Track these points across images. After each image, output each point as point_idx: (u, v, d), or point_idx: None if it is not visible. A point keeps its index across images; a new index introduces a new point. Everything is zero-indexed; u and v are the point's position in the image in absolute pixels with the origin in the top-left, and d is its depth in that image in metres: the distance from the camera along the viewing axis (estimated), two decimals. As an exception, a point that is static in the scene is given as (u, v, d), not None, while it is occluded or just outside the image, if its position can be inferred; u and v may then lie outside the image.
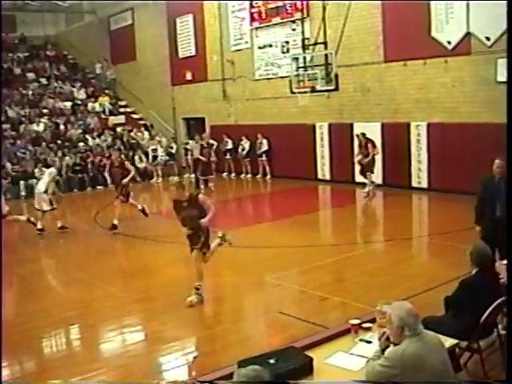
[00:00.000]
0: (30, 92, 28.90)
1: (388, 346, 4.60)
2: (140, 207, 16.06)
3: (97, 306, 9.74)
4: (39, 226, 15.04)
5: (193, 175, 24.96)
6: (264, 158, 22.69)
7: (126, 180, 15.13)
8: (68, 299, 9.86)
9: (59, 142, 25.23)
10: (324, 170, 20.92)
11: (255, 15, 22.67)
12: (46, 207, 14.97)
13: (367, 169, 17.65)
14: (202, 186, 20.56)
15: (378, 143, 18.18)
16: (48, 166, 22.62)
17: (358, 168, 18.30)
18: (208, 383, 4.57)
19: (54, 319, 8.98)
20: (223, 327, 8.54)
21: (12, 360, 7.82)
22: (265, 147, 22.54)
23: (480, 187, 8.82)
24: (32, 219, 15.09)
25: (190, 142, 25.17)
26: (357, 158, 18.06)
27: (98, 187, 23.70)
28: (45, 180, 15.19)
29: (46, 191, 14.96)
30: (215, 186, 20.55)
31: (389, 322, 4.53)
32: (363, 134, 17.83)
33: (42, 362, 7.79)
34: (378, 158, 18.12)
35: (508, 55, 13.19)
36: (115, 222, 15.09)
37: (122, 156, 17.60)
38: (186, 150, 25.40)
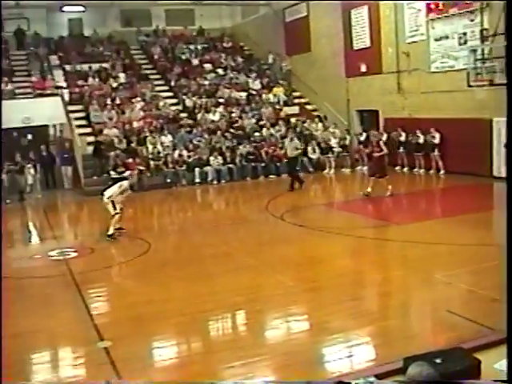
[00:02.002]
0: (207, 82, 29.90)
1: None
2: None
3: (265, 292, 10.00)
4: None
5: (365, 168, 24.84)
6: (436, 152, 22.07)
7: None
8: (238, 285, 10.16)
9: (233, 131, 26.01)
10: (500, 167, 20.12)
11: (432, 6, 22.15)
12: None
13: None
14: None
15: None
16: (222, 154, 23.51)
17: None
18: (370, 381, 4.59)
19: (223, 303, 9.32)
20: (388, 322, 8.52)
21: (181, 339, 8.30)
22: (436, 141, 21.97)
23: None
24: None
25: (364, 134, 25.08)
26: None
27: (271, 176, 24.20)
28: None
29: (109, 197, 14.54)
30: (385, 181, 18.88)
31: None
32: None
33: (207, 344, 8.13)
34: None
35: (507, 55, 12.35)
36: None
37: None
38: (360, 142, 25.34)
